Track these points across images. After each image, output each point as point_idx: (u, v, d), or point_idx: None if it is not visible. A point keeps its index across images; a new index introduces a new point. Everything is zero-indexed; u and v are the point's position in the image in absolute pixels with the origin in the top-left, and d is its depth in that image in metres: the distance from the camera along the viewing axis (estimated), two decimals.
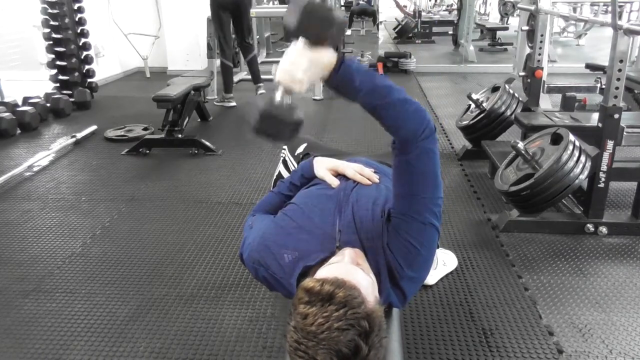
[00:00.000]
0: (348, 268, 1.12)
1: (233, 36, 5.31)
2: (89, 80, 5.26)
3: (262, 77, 5.23)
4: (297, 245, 1.27)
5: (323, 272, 1.12)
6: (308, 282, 1.01)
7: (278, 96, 1.05)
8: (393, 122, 1.14)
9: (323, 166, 1.48)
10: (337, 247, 1.25)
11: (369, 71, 1.12)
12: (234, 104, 5.11)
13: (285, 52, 1.05)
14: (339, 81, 1.09)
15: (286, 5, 8.43)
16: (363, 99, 1.11)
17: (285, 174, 1.84)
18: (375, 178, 1.43)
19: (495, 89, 3.47)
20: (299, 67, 1.02)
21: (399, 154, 1.20)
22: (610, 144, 2.31)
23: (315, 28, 0.97)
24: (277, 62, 1.07)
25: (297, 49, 1.02)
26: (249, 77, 5.37)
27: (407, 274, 1.22)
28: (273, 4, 9.58)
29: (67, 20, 4.93)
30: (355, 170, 1.44)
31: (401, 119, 1.13)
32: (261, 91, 5.15)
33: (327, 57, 1.05)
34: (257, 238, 1.33)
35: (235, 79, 5.63)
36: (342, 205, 1.33)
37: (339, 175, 1.46)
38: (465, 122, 3.42)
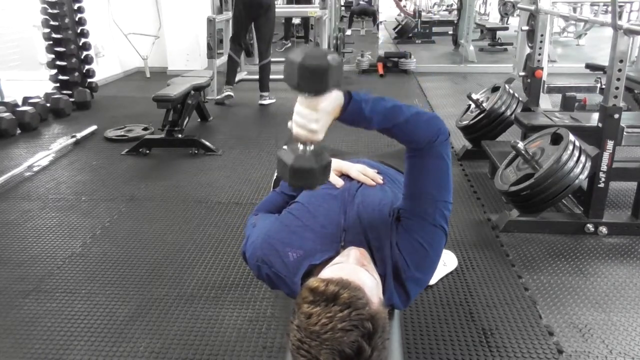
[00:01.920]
0: (353, 268, 1.13)
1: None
2: (89, 80, 5.26)
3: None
4: (303, 244, 1.27)
5: (328, 272, 1.12)
6: (313, 282, 1.01)
7: (300, 148, 1.06)
8: (408, 137, 1.18)
9: None
10: (341, 246, 1.25)
11: (376, 98, 1.13)
12: (231, 94, 5.10)
13: (295, 108, 1.05)
14: (351, 117, 1.09)
15: (285, 6, 8.41)
16: (377, 125, 1.13)
17: None
18: (379, 179, 1.44)
19: (495, 89, 3.47)
20: (311, 119, 1.03)
21: (413, 156, 1.22)
22: (610, 144, 2.31)
23: (314, 82, 0.98)
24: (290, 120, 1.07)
25: (304, 103, 1.03)
26: (250, 77, 5.37)
27: (413, 274, 1.22)
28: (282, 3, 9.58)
29: (67, 20, 4.92)
30: (359, 170, 1.45)
31: (415, 133, 1.17)
32: (264, 101, 5.13)
33: (333, 101, 1.05)
34: (262, 236, 1.33)
35: (236, 78, 5.63)
36: (347, 205, 1.33)
37: (342, 175, 1.47)
38: (465, 122, 3.42)
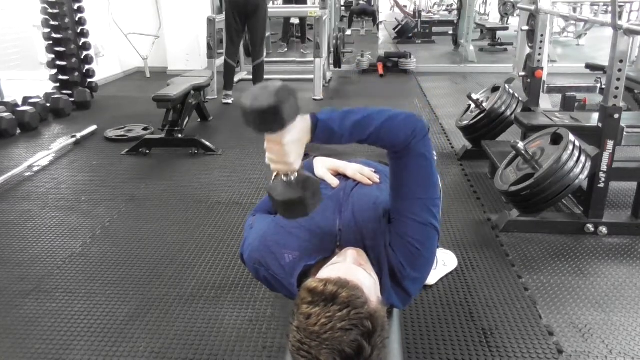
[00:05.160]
0: (351, 268, 1.13)
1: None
2: (89, 80, 5.25)
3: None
4: (298, 245, 1.27)
5: (326, 272, 1.12)
6: (311, 282, 1.01)
7: (284, 179, 1.08)
8: (385, 143, 1.17)
9: (323, 166, 1.48)
10: (337, 246, 1.25)
11: (345, 113, 1.12)
12: (230, 101, 5.12)
13: (265, 147, 1.07)
14: (322, 138, 1.10)
15: (285, 6, 8.39)
16: (349, 139, 1.13)
17: None
18: (376, 177, 1.44)
19: (495, 89, 3.47)
20: (283, 154, 1.04)
21: (393, 158, 1.21)
22: (610, 144, 2.31)
23: (269, 123, 0.99)
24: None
25: (270, 141, 1.04)
26: (249, 77, 5.37)
27: (410, 274, 1.22)
28: (274, 3, 9.59)
29: (67, 20, 4.92)
30: (355, 170, 1.45)
31: (391, 138, 1.15)
32: None
33: (299, 129, 1.05)
34: (258, 238, 1.33)
35: (236, 78, 5.63)
36: (343, 205, 1.33)
37: (339, 175, 1.47)
38: (465, 122, 3.42)
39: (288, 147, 1.02)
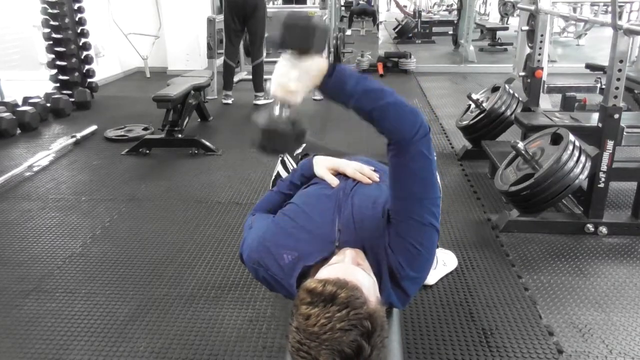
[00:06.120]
0: (349, 268, 1.12)
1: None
2: (89, 80, 5.26)
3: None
4: (297, 246, 1.26)
5: (324, 273, 1.12)
6: (310, 283, 1.01)
7: (276, 110, 1.06)
8: (388, 125, 1.14)
9: (323, 165, 1.48)
10: (336, 246, 1.25)
11: (361, 76, 1.11)
12: (230, 101, 5.12)
13: (276, 66, 1.07)
14: (332, 87, 1.09)
15: (285, 6, 8.42)
16: (357, 103, 1.11)
17: (284, 175, 1.84)
18: (376, 177, 1.43)
19: (495, 89, 3.47)
20: (291, 78, 1.04)
21: (394, 157, 1.19)
22: (610, 144, 2.31)
23: (298, 39, 1.01)
24: (269, 78, 1.09)
25: (286, 61, 1.04)
26: (249, 77, 5.38)
27: (408, 274, 1.22)
28: (274, 3, 9.60)
29: (67, 20, 4.93)
30: (355, 168, 1.44)
31: (396, 121, 1.13)
32: (259, 101, 5.13)
33: (316, 65, 1.06)
34: (257, 238, 1.33)
35: (236, 78, 5.64)
36: (342, 205, 1.32)
37: (339, 174, 1.46)
38: (465, 122, 3.42)
39: (300, 73, 1.03)
